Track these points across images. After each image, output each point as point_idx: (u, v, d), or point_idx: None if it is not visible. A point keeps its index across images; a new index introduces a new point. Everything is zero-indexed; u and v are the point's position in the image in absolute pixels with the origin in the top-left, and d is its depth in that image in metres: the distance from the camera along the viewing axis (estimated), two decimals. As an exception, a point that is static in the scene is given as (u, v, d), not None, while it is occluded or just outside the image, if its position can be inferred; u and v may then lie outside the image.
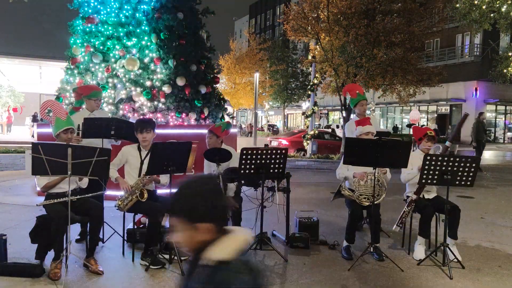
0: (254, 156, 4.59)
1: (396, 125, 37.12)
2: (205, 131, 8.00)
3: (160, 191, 5.00)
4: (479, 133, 13.20)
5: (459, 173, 4.34)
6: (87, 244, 4.41)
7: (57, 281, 3.88)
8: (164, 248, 4.48)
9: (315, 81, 16.55)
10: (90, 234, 4.36)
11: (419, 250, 4.82)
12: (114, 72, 8.34)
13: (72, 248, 4.13)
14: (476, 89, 30.90)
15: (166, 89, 8.21)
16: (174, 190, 4.40)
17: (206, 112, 8.97)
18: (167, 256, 4.43)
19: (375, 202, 4.70)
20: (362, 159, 4.56)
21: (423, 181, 4.43)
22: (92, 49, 8.45)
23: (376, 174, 4.60)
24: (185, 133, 7.86)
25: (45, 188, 4.29)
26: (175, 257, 4.34)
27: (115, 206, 4.53)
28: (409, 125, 5.01)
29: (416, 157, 4.91)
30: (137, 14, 8.49)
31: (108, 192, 7.15)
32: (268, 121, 51.65)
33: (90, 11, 8.62)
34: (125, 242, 4.91)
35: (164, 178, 4.71)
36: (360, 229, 5.93)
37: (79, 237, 5.12)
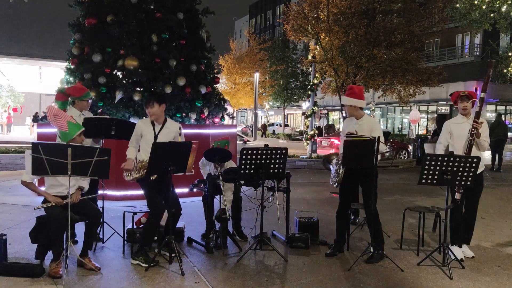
0: (254, 156, 4.59)
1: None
2: (205, 131, 7.97)
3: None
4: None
5: (459, 173, 4.34)
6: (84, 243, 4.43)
7: (57, 281, 3.88)
8: (165, 245, 4.47)
9: (315, 81, 16.56)
10: (86, 233, 4.34)
11: (456, 251, 4.80)
12: (114, 72, 8.34)
13: (72, 248, 4.12)
14: (476, 89, 30.77)
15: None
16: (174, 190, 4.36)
17: (206, 112, 8.98)
18: (167, 256, 4.43)
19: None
20: (362, 159, 4.54)
21: (423, 181, 4.42)
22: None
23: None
24: (185, 133, 7.85)
25: (25, 185, 4.32)
26: (175, 257, 4.34)
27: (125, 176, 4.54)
28: (451, 95, 5.13)
29: (454, 125, 4.89)
30: (137, 14, 8.49)
31: (109, 192, 7.18)
32: (268, 121, 51.64)
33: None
34: (125, 242, 4.92)
35: None
36: (355, 222, 6.10)
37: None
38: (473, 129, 4.65)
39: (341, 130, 5.15)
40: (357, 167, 4.66)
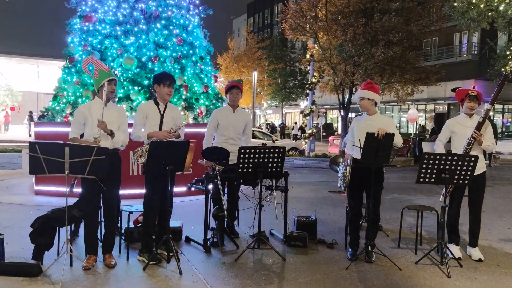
0: (252, 155, 4.59)
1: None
2: (203, 130, 7.95)
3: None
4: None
5: (457, 172, 4.34)
6: (103, 240, 4.51)
7: (55, 280, 3.87)
8: (162, 244, 4.46)
9: (313, 80, 16.56)
10: (105, 229, 4.47)
11: (454, 249, 4.80)
12: (111, 71, 8.31)
13: (70, 248, 4.10)
14: (474, 88, 30.90)
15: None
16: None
17: (204, 111, 8.96)
18: (165, 255, 4.42)
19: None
20: (381, 156, 4.44)
21: (421, 179, 4.41)
22: (89, 48, 8.43)
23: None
24: (183, 132, 7.85)
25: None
26: (173, 256, 4.33)
27: (136, 161, 4.57)
28: (453, 90, 5.05)
29: (457, 124, 4.81)
30: (134, 13, 8.47)
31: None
32: (266, 120, 51.64)
33: (87, 9, 8.60)
34: (123, 241, 4.90)
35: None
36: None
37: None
38: (471, 139, 4.62)
39: (350, 130, 4.95)
40: (374, 166, 4.47)
